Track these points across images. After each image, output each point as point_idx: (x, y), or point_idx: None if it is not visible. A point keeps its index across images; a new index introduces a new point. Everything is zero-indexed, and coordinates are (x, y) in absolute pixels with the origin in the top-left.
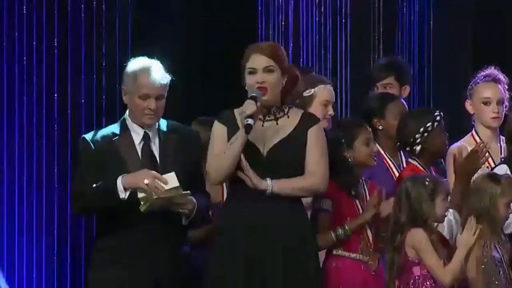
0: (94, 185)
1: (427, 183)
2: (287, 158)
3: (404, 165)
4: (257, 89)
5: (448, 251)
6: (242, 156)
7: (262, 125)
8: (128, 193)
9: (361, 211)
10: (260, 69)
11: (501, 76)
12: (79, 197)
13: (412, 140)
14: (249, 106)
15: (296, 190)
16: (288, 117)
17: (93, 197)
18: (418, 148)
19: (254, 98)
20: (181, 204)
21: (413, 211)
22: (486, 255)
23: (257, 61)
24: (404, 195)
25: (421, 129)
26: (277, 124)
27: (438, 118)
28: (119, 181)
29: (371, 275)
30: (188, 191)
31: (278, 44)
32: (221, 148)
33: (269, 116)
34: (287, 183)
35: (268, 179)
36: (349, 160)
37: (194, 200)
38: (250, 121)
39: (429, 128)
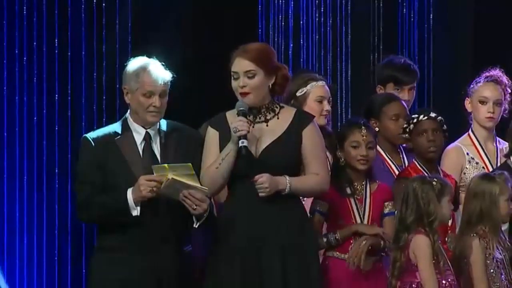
0: (100, 196)
1: (435, 183)
2: (280, 159)
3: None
4: (240, 98)
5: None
6: None
7: (253, 127)
8: (139, 208)
9: (355, 210)
10: (241, 73)
11: (504, 78)
12: (86, 208)
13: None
14: (241, 125)
15: (307, 190)
16: (278, 118)
17: (101, 214)
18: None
19: (244, 114)
20: (197, 200)
21: (421, 211)
22: (489, 257)
23: (239, 65)
24: (412, 195)
25: (401, 130)
26: (267, 125)
27: (415, 120)
28: (129, 198)
29: (360, 275)
30: (206, 188)
31: (264, 46)
32: (213, 158)
33: (259, 118)
34: (300, 182)
35: (286, 176)
36: (341, 160)
37: (209, 201)
38: (245, 142)
39: (407, 130)
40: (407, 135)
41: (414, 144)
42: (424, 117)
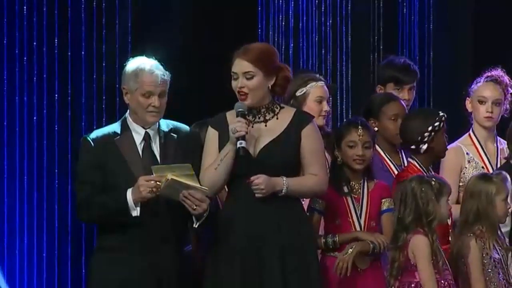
0: (100, 196)
1: (433, 183)
2: (278, 159)
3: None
4: (239, 98)
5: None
6: None
7: (252, 126)
8: (139, 208)
9: (352, 209)
10: (240, 74)
11: (505, 78)
12: (86, 208)
13: (419, 138)
14: (240, 126)
15: (305, 191)
16: (278, 118)
17: (101, 214)
18: (424, 147)
19: (243, 115)
20: (197, 200)
21: (419, 211)
22: (486, 256)
23: (238, 66)
24: (411, 195)
25: (430, 128)
26: (265, 125)
27: (443, 118)
28: (129, 199)
29: (358, 274)
30: (206, 188)
31: (266, 46)
32: (212, 158)
33: (258, 118)
34: (298, 183)
35: (283, 177)
36: (338, 159)
37: (209, 201)
38: (244, 144)
39: (437, 128)
40: (426, 145)
41: (436, 145)
42: (444, 118)
